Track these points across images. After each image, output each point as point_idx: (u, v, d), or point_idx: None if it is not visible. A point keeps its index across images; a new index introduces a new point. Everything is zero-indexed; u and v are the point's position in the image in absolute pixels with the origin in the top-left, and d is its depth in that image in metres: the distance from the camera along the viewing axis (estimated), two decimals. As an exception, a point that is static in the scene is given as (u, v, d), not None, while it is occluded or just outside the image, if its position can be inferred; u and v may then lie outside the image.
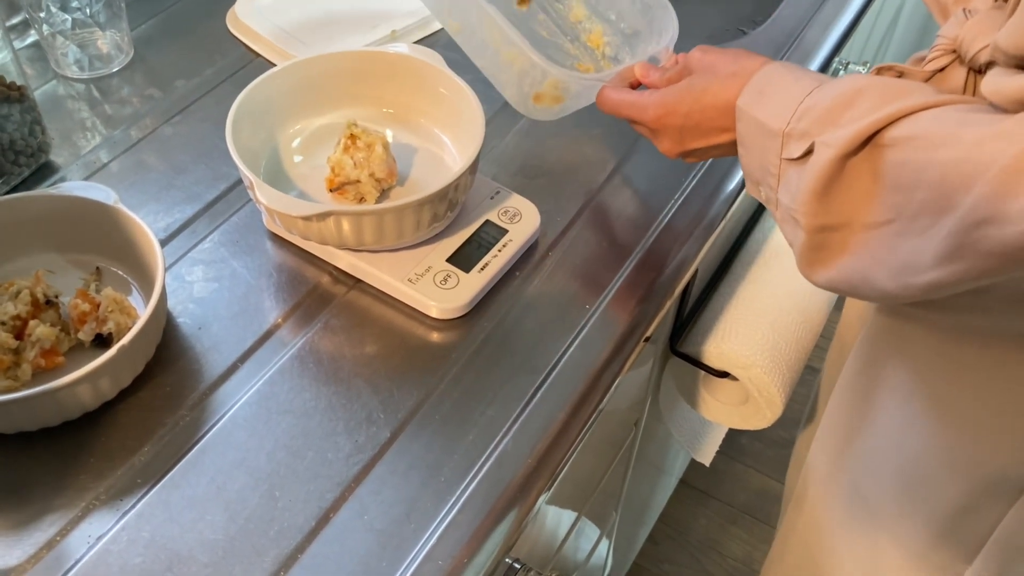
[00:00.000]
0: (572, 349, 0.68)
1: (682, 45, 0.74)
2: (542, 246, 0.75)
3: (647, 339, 0.73)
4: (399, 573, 0.56)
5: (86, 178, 0.78)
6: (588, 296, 0.72)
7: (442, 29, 0.93)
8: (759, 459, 1.65)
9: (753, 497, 1.61)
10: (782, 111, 0.55)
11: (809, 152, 0.53)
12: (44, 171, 0.78)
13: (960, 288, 0.47)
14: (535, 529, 0.79)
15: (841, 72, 1.04)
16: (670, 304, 0.75)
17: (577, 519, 0.95)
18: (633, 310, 0.72)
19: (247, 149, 0.70)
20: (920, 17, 1.66)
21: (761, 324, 0.87)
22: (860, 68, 1.06)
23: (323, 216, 0.63)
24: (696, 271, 0.80)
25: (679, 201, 0.79)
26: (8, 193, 0.74)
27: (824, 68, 0.96)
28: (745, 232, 0.98)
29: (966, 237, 0.44)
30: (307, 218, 0.64)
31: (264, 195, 0.64)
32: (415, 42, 0.91)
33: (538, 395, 0.65)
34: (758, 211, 1.00)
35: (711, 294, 0.92)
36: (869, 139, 0.49)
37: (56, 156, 0.80)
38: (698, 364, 0.89)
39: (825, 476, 0.71)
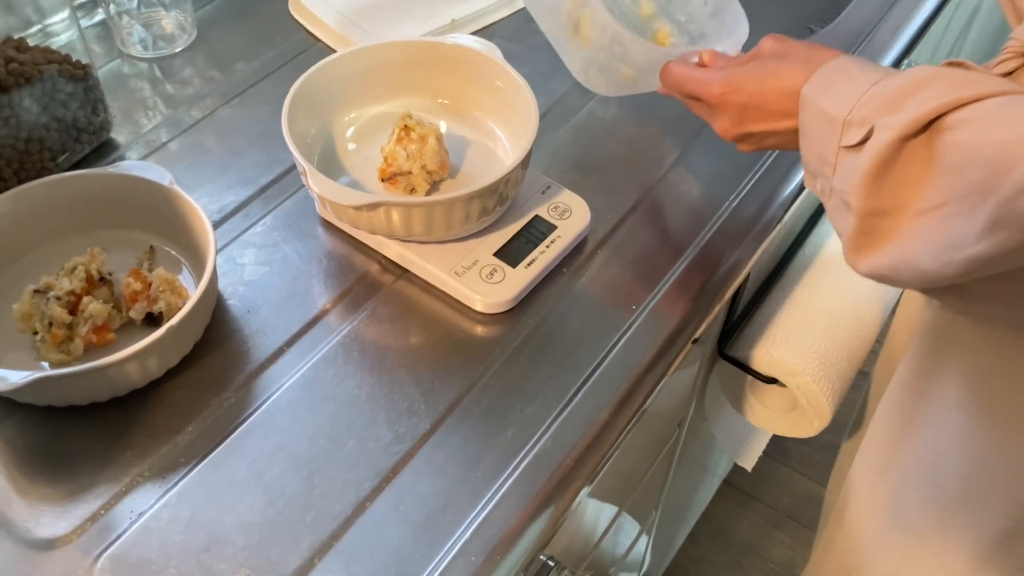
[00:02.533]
0: (616, 349, 0.68)
1: (750, 43, 0.72)
2: (591, 243, 0.74)
3: (695, 341, 0.72)
4: (432, 566, 0.56)
5: (145, 157, 0.79)
6: (635, 296, 0.71)
7: (502, 19, 0.92)
8: (806, 463, 1.63)
9: (798, 501, 1.58)
10: (845, 100, 0.54)
11: (867, 138, 0.52)
12: (105, 149, 0.79)
13: (1001, 264, 0.47)
14: (574, 523, 0.79)
15: (910, 75, 1.01)
16: (720, 307, 0.74)
17: (618, 514, 0.95)
18: (681, 312, 0.71)
19: (302, 136, 0.71)
20: (996, 23, 1.60)
21: (813, 331, 0.85)
22: (930, 71, 1.03)
23: (373, 206, 0.64)
24: (749, 274, 0.78)
25: (734, 203, 0.78)
26: (69, 170, 0.75)
27: (892, 70, 0.93)
28: (802, 236, 0.96)
29: (1009, 206, 0.44)
30: (358, 208, 0.64)
31: (316, 183, 0.64)
32: (474, 32, 0.90)
33: (579, 394, 0.65)
34: (816, 215, 0.98)
35: (763, 298, 0.90)
36: (930, 124, 0.49)
37: (117, 134, 0.81)
38: (746, 369, 0.87)
39: (867, 489, 0.69)
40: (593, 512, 0.86)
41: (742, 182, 0.79)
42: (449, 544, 0.57)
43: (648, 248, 0.74)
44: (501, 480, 0.60)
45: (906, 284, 0.56)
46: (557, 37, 0.72)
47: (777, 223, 0.77)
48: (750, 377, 0.88)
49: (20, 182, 0.72)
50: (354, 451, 0.61)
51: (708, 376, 0.97)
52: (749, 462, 1.13)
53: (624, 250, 0.74)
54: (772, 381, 0.87)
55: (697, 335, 0.72)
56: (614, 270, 0.72)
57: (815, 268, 0.91)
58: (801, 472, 1.62)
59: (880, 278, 0.55)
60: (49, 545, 0.56)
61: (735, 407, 0.97)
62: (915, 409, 0.65)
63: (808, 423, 0.89)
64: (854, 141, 0.53)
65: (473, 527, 0.58)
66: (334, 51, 0.89)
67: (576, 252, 0.73)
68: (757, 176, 0.79)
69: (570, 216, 0.72)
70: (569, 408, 0.64)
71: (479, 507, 0.59)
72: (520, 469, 0.61)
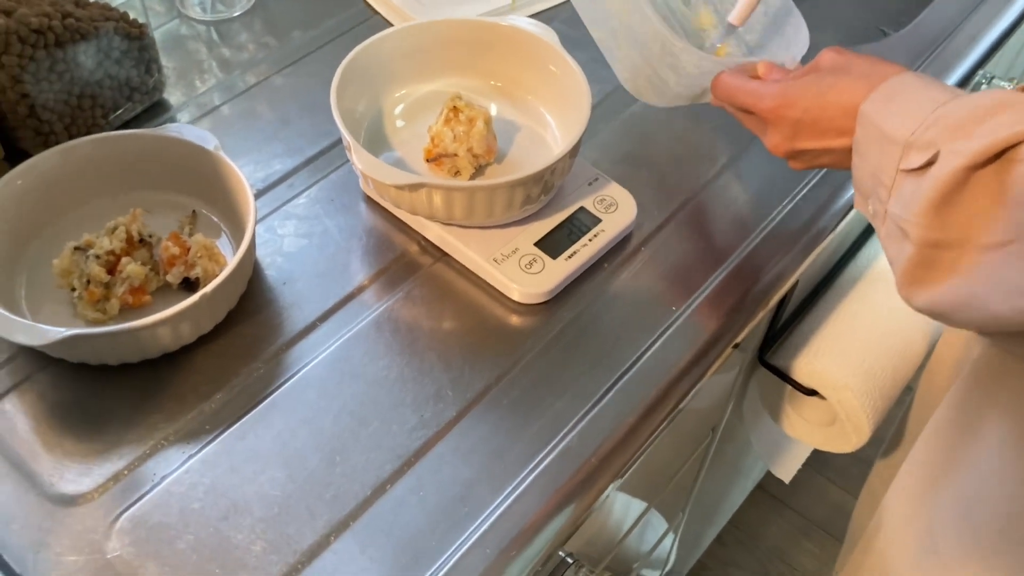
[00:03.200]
0: (652, 350, 0.66)
1: (818, 40, 0.70)
2: (635, 239, 0.72)
3: (736, 346, 0.70)
4: (447, 555, 0.56)
5: (196, 120, 0.79)
6: (676, 297, 0.69)
7: (563, 3, 0.90)
8: (842, 474, 1.60)
9: (831, 512, 1.56)
10: (908, 120, 0.51)
11: (931, 163, 0.49)
12: (156, 109, 0.79)
13: None
14: (601, 516, 0.78)
15: (984, 86, 0.97)
16: (763, 315, 0.72)
17: (646, 510, 0.93)
18: (722, 317, 0.69)
19: (350, 110, 0.70)
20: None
21: (858, 345, 0.83)
22: (1006, 84, 0.99)
23: (415, 187, 0.63)
24: (796, 283, 0.76)
25: (786, 208, 0.76)
26: (119, 128, 0.76)
27: (966, 81, 0.90)
28: (855, 247, 0.93)
29: None
30: (400, 187, 0.63)
31: (360, 159, 0.63)
32: (535, 14, 0.89)
33: (611, 393, 0.64)
34: (871, 227, 0.95)
35: (809, 307, 0.88)
36: (1002, 152, 0.46)
37: (170, 95, 0.81)
38: (786, 378, 0.85)
39: (901, 520, 0.67)
40: (621, 506, 0.85)
41: (795, 189, 0.76)
42: (466, 534, 0.57)
43: (693, 249, 0.72)
44: (524, 473, 0.60)
45: (967, 325, 0.53)
46: (606, 43, 0.70)
47: (830, 232, 0.75)
48: (789, 387, 0.86)
49: (70, 138, 0.72)
50: (378, 432, 0.61)
51: (747, 382, 0.95)
52: (786, 473, 1.11)
53: (668, 249, 0.72)
54: (812, 393, 0.84)
55: (738, 340, 0.70)
56: (657, 269, 0.71)
57: (865, 281, 0.89)
58: (836, 483, 1.59)
59: (937, 315, 0.52)
60: (71, 501, 0.56)
61: (772, 416, 0.95)
62: (958, 445, 0.62)
63: (846, 439, 0.87)
64: (915, 165, 0.50)
65: (492, 519, 0.57)
66: (391, 25, 0.88)
67: (619, 248, 0.72)
68: (811, 184, 0.77)
69: (616, 210, 0.71)
70: (599, 406, 0.63)
71: (499, 499, 0.58)
72: (544, 464, 0.60)
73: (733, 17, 0.69)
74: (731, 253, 0.72)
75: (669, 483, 0.96)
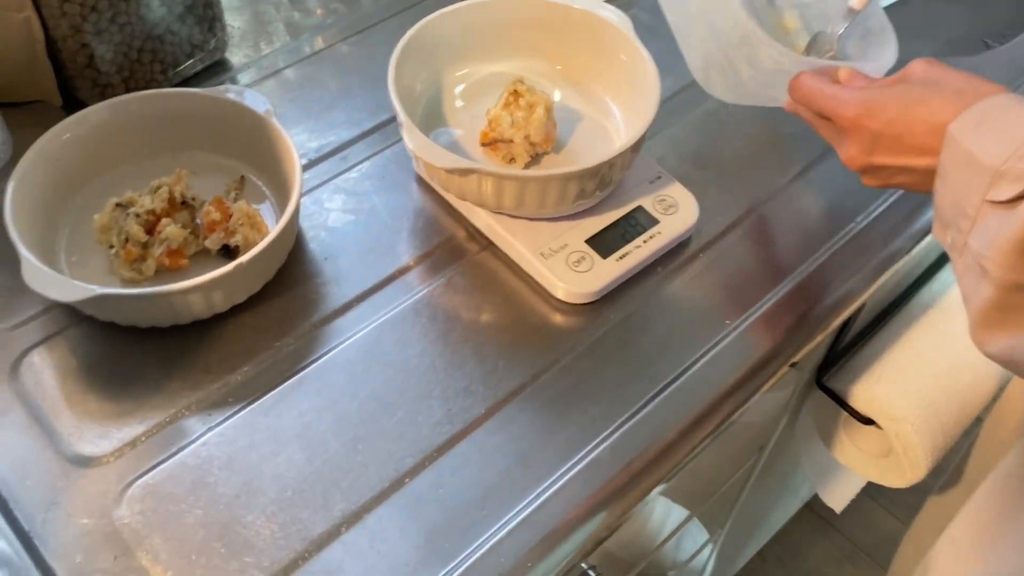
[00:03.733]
0: (700, 364, 0.63)
1: (912, 48, 0.65)
2: (693, 245, 0.69)
3: (792, 364, 0.66)
4: (459, 560, 0.53)
5: (255, 82, 0.78)
6: (732, 309, 0.65)
7: (644, -11, 0.86)
8: (895, 503, 1.53)
9: (878, 539, 1.50)
10: (1001, 146, 0.47)
11: (1022, 197, 0.45)
12: (216, 68, 0.78)
13: None
14: (639, 520, 0.75)
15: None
16: (824, 337, 0.68)
17: (687, 519, 0.90)
18: (778, 337, 0.65)
19: (409, 87, 0.67)
20: None
21: (923, 377, 0.78)
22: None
23: (466, 172, 0.60)
24: (863, 305, 0.72)
25: (860, 226, 0.71)
26: (177, 85, 0.75)
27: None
28: (929, 272, 0.87)
29: None
30: (450, 171, 0.60)
31: (412, 139, 0.61)
32: (613, -1, 0.85)
33: (651, 405, 0.60)
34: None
35: (875, 331, 0.83)
36: None
37: (232, 55, 0.80)
38: (843, 404, 0.81)
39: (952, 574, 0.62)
40: (662, 511, 0.82)
41: (871, 206, 0.72)
42: (482, 539, 0.54)
43: (755, 260, 0.68)
44: (550, 481, 0.57)
45: None
46: (680, 27, 0.66)
47: (903, 256, 0.70)
48: (845, 413, 0.81)
49: (127, 91, 0.71)
50: (402, 422, 0.58)
51: (802, 403, 0.91)
52: (837, 502, 1.06)
53: (728, 258, 0.68)
54: (869, 422, 0.80)
55: (795, 360, 0.66)
56: (713, 278, 0.67)
57: (937, 310, 0.83)
58: (888, 510, 1.53)
59: (1012, 365, 0.48)
60: (86, 463, 0.56)
61: (824, 442, 0.90)
62: (1021, 504, 0.57)
63: (900, 473, 0.82)
64: (1005, 197, 0.45)
65: (510, 526, 0.55)
66: (464, -1, 0.85)
67: (675, 252, 0.68)
68: (888, 203, 0.72)
69: (676, 212, 0.67)
70: (637, 418, 0.60)
71: (521, 505, 0.56)
72: (572, 473, 0.57)
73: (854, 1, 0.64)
74: (795, 268, 0.68)
75: (714, 494, 0.93)
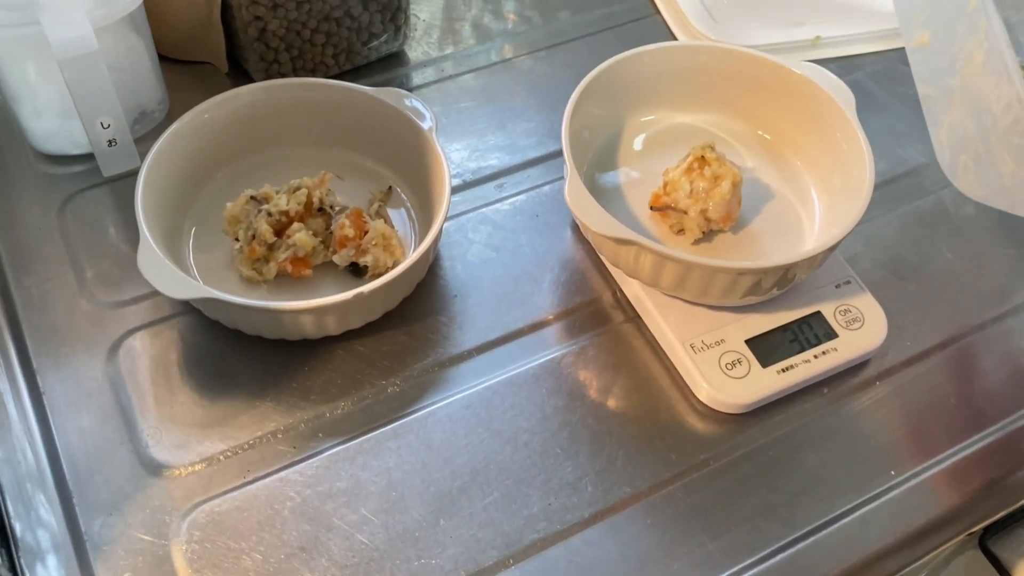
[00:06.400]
0: (850, 517, 0.53)
1: None
2: (872, 368, 0.59)
3: (970, 535, 0.55)
4: None
5: (428, 84, 0.72)
6: (905, 456, 0.55)
7: (873, 52, 0.75)
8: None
9: None
10: None
11: None
12: (391, 61, 0.73)
13: None
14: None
15: None
16: (1014, 509, 0.57)
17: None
18: (956, 501, 0.54)
19: (585, 125, 0.60)
20: None
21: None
22: None
23: (624, 242, 0.52)
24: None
25: (1082, 387, 0.59)
26: (344, 75, 0.70)
27: None
28: None
29: None
30: (606, 237, 0.53)
31: (571, 193, 0.53)
32: (839, 58, 0.74)
33: (783, 554, 0.51)
34: None
35: (1069, 503, 0.70)
36: None
37: (411, 50, 0.74)
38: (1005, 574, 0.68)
39: None
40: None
41: (1106, 370, 0.59)
42: (552, 667, 0.47)
43: (946, 402, 0.58)
44: (643, 616, 0.49)
45: None
46: (933, 102, 0.55)
47: None
48: (1008, 586, 0.69)
49: (294, 71, 0.68)
50: (495, 506, 0.52)
51: (954, 557, 0.78)
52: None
53: (913, 393, 0.58)
54: (1036, 606, 0.67)
55: (972, 531, 0.55)
56: (890, 414, 0.57)
57: None
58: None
59: None
60: (157, 471, 0.52)
61: (975, 607, 0.78)
62: None
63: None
64: None
65: (586, 660, 0.48)
66: (671, 29, 0.77)
67: (849, 373, 0.58)
68: None
69: (860, 327, 0.57)
70: (763, 566, 0.51)
71: (604, 638, 0.48)
72: (670, 613, 0.49)
73: None
74: (997, 420, 0.57)
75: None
